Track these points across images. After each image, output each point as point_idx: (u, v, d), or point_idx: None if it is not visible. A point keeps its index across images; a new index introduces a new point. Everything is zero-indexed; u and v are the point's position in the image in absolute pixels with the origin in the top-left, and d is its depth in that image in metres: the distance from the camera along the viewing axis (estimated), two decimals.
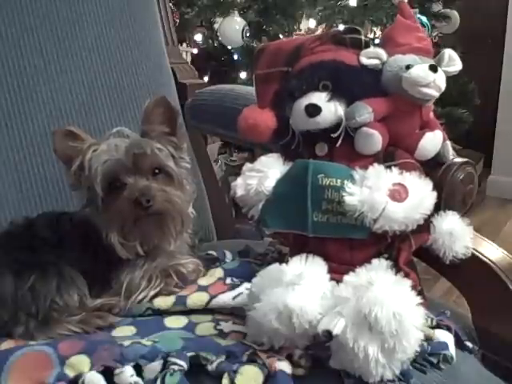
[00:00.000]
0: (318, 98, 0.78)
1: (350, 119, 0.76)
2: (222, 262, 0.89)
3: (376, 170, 0.74)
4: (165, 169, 0.81)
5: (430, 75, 0.75)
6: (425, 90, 0.75)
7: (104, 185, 0.78)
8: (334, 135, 0.77)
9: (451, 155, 0.82)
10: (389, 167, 0.74)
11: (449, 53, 0.79)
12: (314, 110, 0.77)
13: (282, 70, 0.85)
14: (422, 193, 0.73)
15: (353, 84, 0.79)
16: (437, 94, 0.77)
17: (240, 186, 0.82)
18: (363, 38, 0.82)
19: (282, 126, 0.82)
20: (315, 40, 0.84)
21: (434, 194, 0.74)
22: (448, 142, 0.81)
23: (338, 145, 0.77)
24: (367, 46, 0.81)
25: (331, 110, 0.77)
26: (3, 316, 0.73)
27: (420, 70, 0.75)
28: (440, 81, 0.76)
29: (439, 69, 0.76)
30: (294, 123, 0.80)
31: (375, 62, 0.79)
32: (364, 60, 0.79)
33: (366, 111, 0.75)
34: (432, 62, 0.77)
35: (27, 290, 0.74)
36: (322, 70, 0.80)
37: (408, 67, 0.76)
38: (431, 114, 0.82)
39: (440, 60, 0.78)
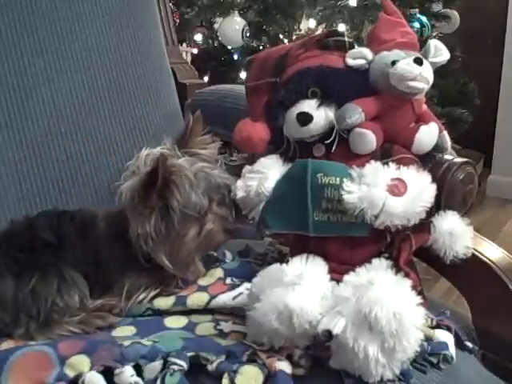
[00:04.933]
0: (308, 105, 0.78)
1: (341, 122, 0.76)
2: (221, 262, 0.89)
3: (373, 166, 0.74)
4: None
5: (415, 68, 0.75)
6: (412, 83, 0.76)
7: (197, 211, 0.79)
8: (328, 141, 0.77)
9: (449, 146, 0.82)
10: (386, 163, 0.74)
11: (434, 43, 0.79)
12: (305, 119, 0.78)
13: (270, 80, 0.85)
14: (420, 186, 0.73)
15: (341, 87, 0.79)
16: (425, 87, 0.77)
17: (240, 188, 0.82)
18: (346, 39, 0.83)
19: (276, 136, 0.83)
20: (300, 47, 0.85)
21: (434, 186, 0.74)
22: (445, 133, 0.81)
23: (333, 150, 0.78)
24: (351, 47, 0.82)
25: (322, 116, 0.78)
26: (4, 318, 0.73)
27: (405, 64, 0.76)
28: (427, 73, 0.76)
29: (425, 61, 0.77)
30: (287, 132, 0.81)
31: (361, 61, 0.79)
32: (350, 61, 0.80)
33: (356, 112, 0.76)
34: (418, 55, 0.78)
35: (28, 292, 0.74)
36: (309, 76, 0.80)
37: (394, 63, 0.76)
38: (424, 106, 0.82)
39: (426, 52, 0.79)
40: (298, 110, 0.79)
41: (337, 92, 0.79)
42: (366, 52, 0.80)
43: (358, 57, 0.80)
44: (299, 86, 0.80)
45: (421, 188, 0.73)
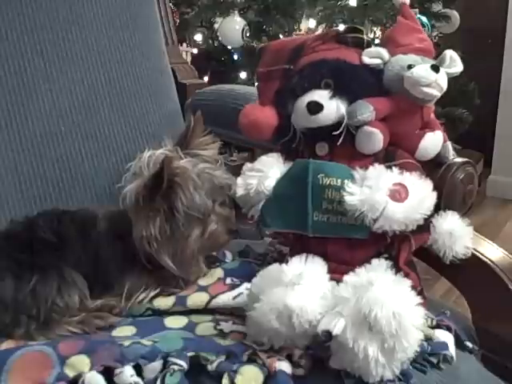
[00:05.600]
0: (320, 95, 0.78)
1: (351, 117, 0.76)
2: (222, 262, 0.89)
3: (377, 169, 0.74)
4: None
5: (431, 75, 0.75)
6: (426, 89, 0.75)
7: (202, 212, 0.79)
8: (336, 133, 0.77)
9: (451, 155, 0.82)
10: (389, 167, 0.74)
11: (450, 54, 0.79)
12: (315, 108, 0.77)
13: (283, 67, 0.85)
14: (422, 193, 0.73)
15: (354, 83, 0.79)
16: (438, 94, 0.77)
17: (240, 186, 0.82)
18: (365, 37, 0.82)
19: (283, 123, 0.82)
20: (317, 39, 0.84)
21: (434, 195, 0.74)
22: (448, 143, 0.81)
23: (339, 143, 0.77)
24: (369, 45, 0.82)
25: (333, 107, 0.77)
26: (4, 319, 0.73)
27: (422, 69, 0.75)
28: (442, 81, 0.76)
29: (441, 69, 0.76)
30: (295, 121, 0.80)
31: (377, 61, 0.79)
32: (366, 59, 0.79)
33: (367, 110, 0.75)
34: (434, 62, 0.77)
35: (28, 293, 0.74)
36: (324, 67, 0.80)
37: (410, 67, 0.76)
38: (432, 115, 0.82)
39: (441, 61, 0.78)
40: (309, 98, 0.78)
41: (350, 87, 0.78)
42: (383, 52, 0.79)
43: (375, 56, 0.79)
44: (313, 75, 0.79)
45: (422, 195, 0.72)
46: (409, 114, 0.79)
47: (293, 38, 0.91)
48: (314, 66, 0.81)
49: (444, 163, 0.82)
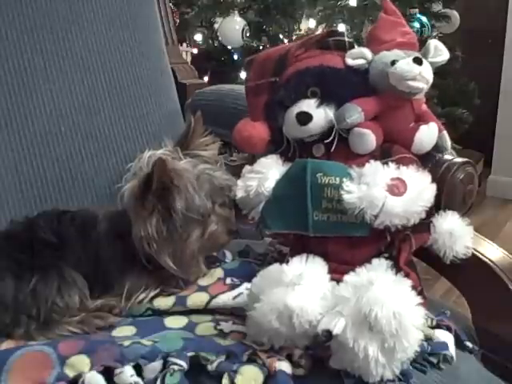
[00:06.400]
0: (308, 105, 0.79)
1: (340, 122, 0.77)
2: (222, 262, 0.89)
3: (373, 166, 0.74)
4: None
5: (415, 68, 0.75)
6: (412, 83, 0.76)
7: (201, 212, 0.79)
8: (327, 141, 0.77)
9: (449, 145, 0.82)
10: (386, 163, 0.74)
11: (434, 43, 0.79)
12: (304, 118, 0.78)
13: (270, 80, 0.86)
14: (420, 185, 0.73)
15: (340, 86, 0.79)
16: (425, 86, 0.77)
17: (240, 188, 0.83)
18: (346, 39, 0.83)
19: (276, 135, 0.83)
20: (300, 47, 0.85)
21: (433, 186, 0.74)
22: (445, 133, 0.81)
23: (332, 150, 0.78)
24: (351, 46, 0.82)
25: (321, 115, 0.78)
26: (4, 319, 0.73)
27: (405, 64, 0.76)
28: (426, 73, 0.76)
29: (424, 61, 0.77)
30: (287, 132, 0.81)
31: (361, 61, 0.80)
32: (350, 61, 0.80)
33: (355, 112, 0.76)
34: (417, 54, 0.78)
35: (28, 293, 0.74)
36: (309, 76, 0.80)
37: (393, 63, 0.76)
38: (424, 106, 0.82)
39: (426, 51, 0.79)
40: (298, 109, 0.79)
41: (336, 92, 0.79)
42: (366, 52, 0.80)
43: (358, 57, 0.80)
44: (299, 85, 0.80)
45: (421, 188, 0.73)
46: (399, 109, 0.79)
47: (277, 47, 0.92)
48: (298, 75, 0.81)
49: (443, 154, 0.81)
